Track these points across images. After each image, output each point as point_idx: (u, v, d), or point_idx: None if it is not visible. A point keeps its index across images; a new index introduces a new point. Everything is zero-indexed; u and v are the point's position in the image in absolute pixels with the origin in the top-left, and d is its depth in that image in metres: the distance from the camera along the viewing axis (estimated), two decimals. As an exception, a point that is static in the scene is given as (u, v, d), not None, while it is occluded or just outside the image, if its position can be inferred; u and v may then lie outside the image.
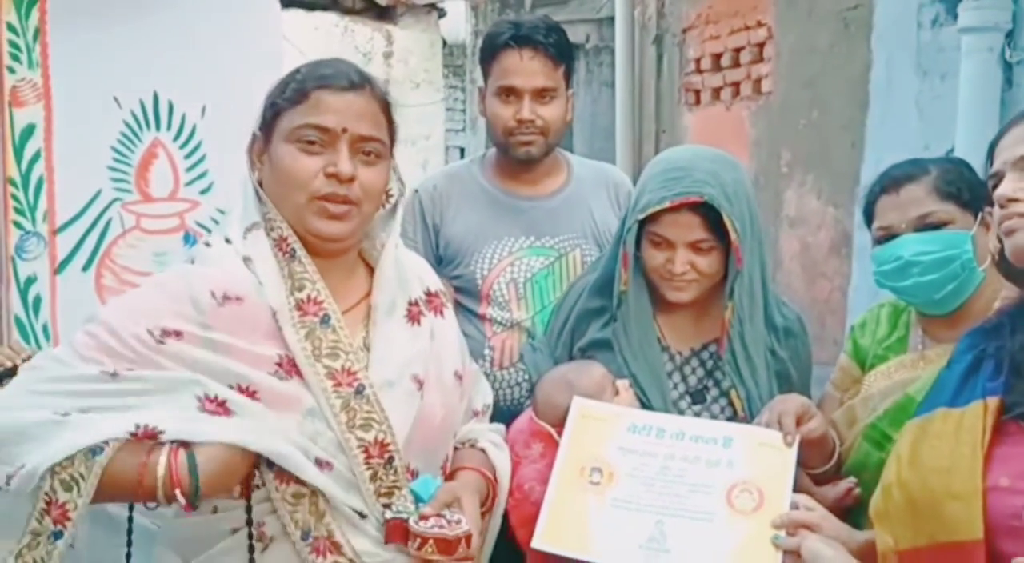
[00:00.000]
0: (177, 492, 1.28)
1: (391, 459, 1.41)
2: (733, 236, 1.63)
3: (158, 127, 2.44)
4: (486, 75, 2.23)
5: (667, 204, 1.62)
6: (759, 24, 4.54)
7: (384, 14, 5.24)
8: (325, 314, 1.43)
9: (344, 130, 1.42)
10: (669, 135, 5.33)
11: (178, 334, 1.35)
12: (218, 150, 2.47)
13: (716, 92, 4.93)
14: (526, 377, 2.16)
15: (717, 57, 4.92)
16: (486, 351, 2.18)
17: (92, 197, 2.38)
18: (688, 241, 1.65)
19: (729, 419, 1.68)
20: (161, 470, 1.28)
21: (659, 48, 5.39)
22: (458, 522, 1.39)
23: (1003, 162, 1.29)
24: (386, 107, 1.49)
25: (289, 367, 1.38)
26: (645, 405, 1.68)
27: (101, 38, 2.35)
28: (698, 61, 5.09)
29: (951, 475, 1.23)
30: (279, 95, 1.46)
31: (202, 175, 2.48)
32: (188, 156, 2.48)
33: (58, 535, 1.27)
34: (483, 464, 1.58)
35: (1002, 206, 1.26)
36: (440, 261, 2.22)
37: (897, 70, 3.58)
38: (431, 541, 1.36)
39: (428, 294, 1.59)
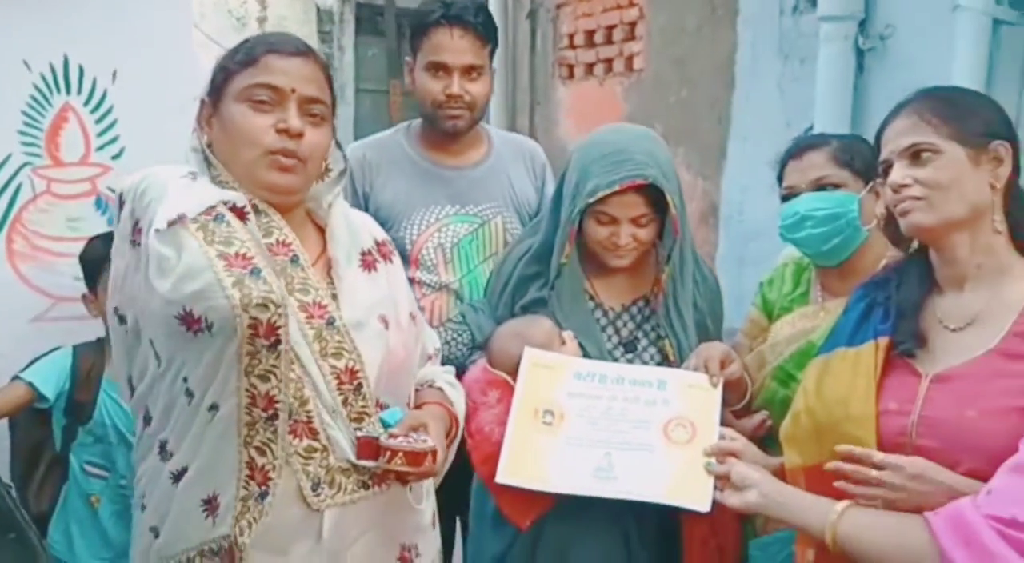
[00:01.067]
0: None
1: (360, 386, 1.52)
2: (674, 211, 1.82)
3: (68, 91, 2.41)
4: (415, 50, 2.32)
5: (616, 188, 1.78)
6: (631, 3, 4.66)
7: (257, -23, 5.12)
8: (294, 254, 1.52)
9: (293, 90, 1.50)
10: (543, 108, 5.42)
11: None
12: (129, 115, 2.46)
13: (589, 67, 5.02)
14: (455, 336, 2.30)
15: (590, 34, 5.00)
16: (417, 312, 2.30)
17: (1, 161, 2.33)
18: (631, 217, 1.83)
19: (659, 364, 1.88)
20: None
21: (533, 23, 5.46)
22: (424, 441, 1.51)
23: (890, 152, 1.47)
24: (328, 76, 1.58)
25: None
26: (585, 355, 1.85)
27: (10, 0, 2.29)
28: (572, 37, 5.16)
29: (849, 402, 1.46)
30: (230, 60, 1.54)
31: (113, 140, 2.47)
32: (99, 121, 2.46)
33: None
34: (444, 399, 1.71)
35: (895, 191, 1.44)
36: (371, 227, 2.31)
37: (761, 53, 3.81)
38: (400, 453, 1.47)
39: (377, 243, 1.71)
